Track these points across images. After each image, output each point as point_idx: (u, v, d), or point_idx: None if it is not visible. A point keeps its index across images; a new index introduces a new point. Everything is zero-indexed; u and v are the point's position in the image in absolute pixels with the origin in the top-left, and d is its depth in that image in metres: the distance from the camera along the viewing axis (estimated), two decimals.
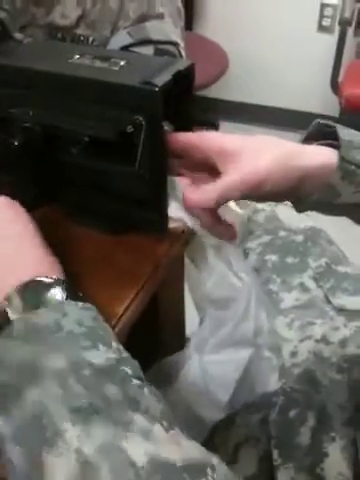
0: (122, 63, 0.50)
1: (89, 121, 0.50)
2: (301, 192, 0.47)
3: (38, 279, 0.42)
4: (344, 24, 1.84)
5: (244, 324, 0.53)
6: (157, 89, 0.46)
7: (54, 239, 0.60)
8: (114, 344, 0.38)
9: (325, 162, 0.47)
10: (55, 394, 0.33)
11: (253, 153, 0.46)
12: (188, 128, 0.56)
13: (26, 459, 0.32)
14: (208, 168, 0.50)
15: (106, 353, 0.36)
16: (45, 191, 0.59)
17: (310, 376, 0.52)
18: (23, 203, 0.56)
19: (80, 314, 0.39)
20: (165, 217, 0.56)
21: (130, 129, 0.48)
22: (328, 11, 2.12)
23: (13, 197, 0.56)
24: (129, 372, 0.36)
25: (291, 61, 2.16)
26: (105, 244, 0.59)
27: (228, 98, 2.25)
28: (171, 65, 0.50)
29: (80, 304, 0.40)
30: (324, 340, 0.55)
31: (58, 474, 0.31)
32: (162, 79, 0.47)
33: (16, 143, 0.53)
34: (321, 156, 0.47)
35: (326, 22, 2.14)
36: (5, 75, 0.52)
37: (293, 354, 0.55)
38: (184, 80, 0.51)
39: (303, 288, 0.61)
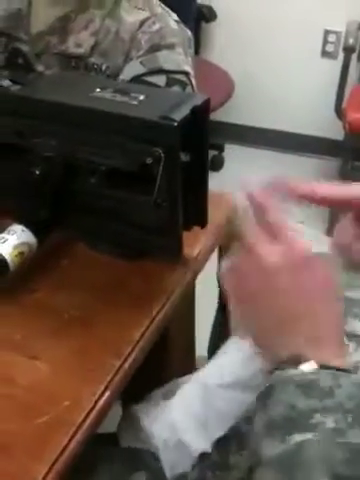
0: (141, 97, 0.52)
1: (109, 152, 0.52)
2: None
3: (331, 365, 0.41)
4: (348, 51, 1.88)
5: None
6: (176, 124, 0.48)
7: (68, 265, 0.61)
8: None
9: None
10: (320, 447, 0.36)
11: None
12: (203, 157, 0.57)
13: None
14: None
15: None
16: (61, 217, 0.60)
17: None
18: (38, 229, 0.57)
19: (352, 390, 0.39)
20: (180, 244, 0.57)
21: (149, 161, 0.49)
22: (332, 37, 2.16)
23: (29, 223, 0.57)
24: None
25: (295, 86, 2.20)
26: (119, 270, 0.60)
27: (234, 121, 2.28)
28: (188, 100, 0.52)
29: (353, 378, 0.40)
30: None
31: None
32: (180, 114, 0.49)
33: (37, 172, 0.54)
34: None
35: (330, 48, 2.18)
36: (28, 107, 0.54)
37: None
38: (200, 113, 0.53)
39: None
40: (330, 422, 0.37)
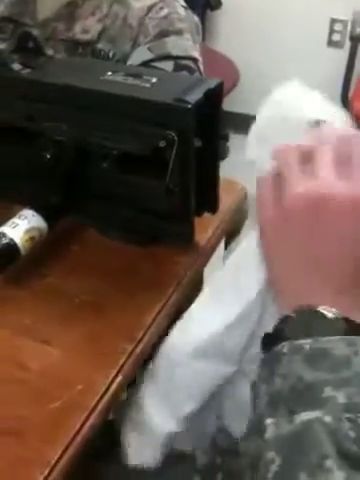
0: (154, 80, 0.52)
1: (121, 136, 0.51)
2: None
3: (338, 313, 0.38)
4: (355, 40, 1.87)
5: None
6: (190, 106, 0.47)
7: (79, 250, 0.61)
8: None
9: None
10: (327, 427, 0.34)
11: None
12: (216, 142, 0.57)
13: (281, 470, 0.34)
14: None
15: None
16: (72, 203, 0.60)
17: None
18: (49, 214, 0.57)
19: None
20: (192, 229, 0.57)
21: (162, 144, 0.49)
22: (338, 26, 2.14)
23: (40, 207, 0.57)
24: None
25: (301, 75, 2.18)
26: (130, 255, 0.60)
27: (239, 111, 2.27)
28: (202, 83, 0.51)
29: None
30: None
31: None
32: (194, 97, 0.49)
33: (48, 156, 0.54)
34: None
35: (336, 37, 2.16)
36: (39, 90, 0.54)
37: None
38: (213, 97, 0.52)
39: None
40: (341, 397, 0.35)
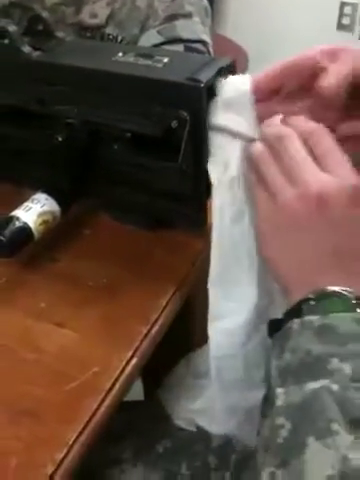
0: (165, 60, 0.51)
1: (133, 117, 0.51)
2: None
3: (352, 292, 0.39)
4: None
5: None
6: (202, 85, 0.47)
7: (92, 234, 0.61)
8: None
9: None
10: (334, 395, 0.35)
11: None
12: None
13: (290, 435, 0.35)
14: (305, 94, 0.46)
15: None
16: (85, 186, 0.60)
17: None
18: (62, 197, 0.57)
19: None
20: (204, 212, 0.57)
21: (175, 124, 0.48)
22: (348, 9, 2.11)
23: (53, 191, 0.57)
24: None
25: None
26: (143, 239, 0.60)
27: None
28: (214, 62, 0.51)
29: None
30: None
31: (318, 463, 0.33)
32: (206, 75, 0.48)
33: (60, 139, 0.54)
34: None
35: (346, 20, 2.13)
36: (50, 73, 0.53)
37: None
38: (226, 77, 0.51)
39: None
40: (348, 368, 0.35)
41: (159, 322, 0.51)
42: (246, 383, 0.50)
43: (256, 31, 2.15)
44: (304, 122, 0.42)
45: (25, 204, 0.54)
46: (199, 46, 0.92)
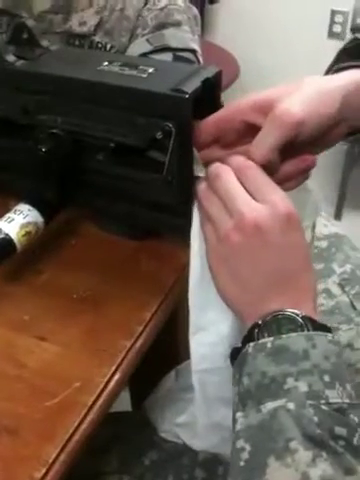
0: (150, 70, 0.50)
1: (118, 128, 0.50)
2: (347, 119, 0.45)
3: (300, 313, 0.40)
4: (356, 31, 1.85)
5: None
6: (187, 96, 0.46)
7: (76, 245, 0.60)
8: (348, 387, 0.38)
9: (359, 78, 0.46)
10: (291, 413, 0.36)
11: (285, 97, 0.45)
12: None
13: (251, 457, 0.36)
14: (244, 140, 0.48)
15: (341, 395, 0.37)
16: (69, 197, 0.59)
17: None
18: (45, 208, 0.56)
19: (328, 349, 0.39)
20: (189, 222, 0.56)
21: (160, 136, 0.48)
22: (339, 18, 2.12)
23: (36, 202, 0.56)
24: (356, 420, 0.37)
25: (302, 67, 2.16)
26: (129, 250, 0.59)
27: None
28: (199, 72, 0.50)
29: (329, 337, 0.40)
30: (350, 346, 0.55)
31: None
32: (192, 86, 0.47)
33: (43, 149, 0.53)
34: (353, 75, 0.46)
35: (337, 28, 2.14)
36: (34, 82, 0.53)
37: None
38: (211, 87, 0.51)
39: (328, 294, 0.61)
40: (303, 386, 0.37)
41: (144, 335, 0.50)
42: (230, 399, 0.49)
43: (247, 39, 2.16)
44: (239, 159, 0.45)
45: (7, 215, 0.53)
46: (188, 55, 0.91)
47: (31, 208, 0.54)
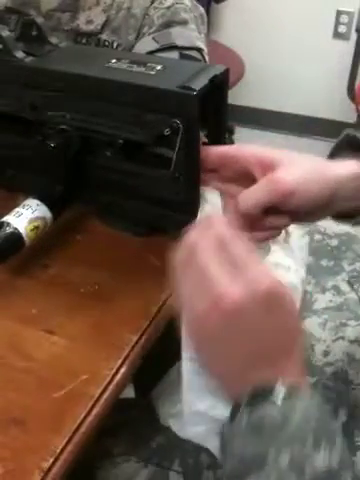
0: (158, 68, 0.51)
1: (126, 124, 0.51)
2: (335, 205, 0.48)
3: (279, 384, 0.39)
4: None
5: None
6: (195, 93, 0.47)
7: (83, 240, 0.61)
8: (338, 440, 0.37)
9: (356, 171, 0.48)
10: None
11: (286, 165, 0.47)
12: (220, 132, 0.56)
13: None
14: (239, 181, 0.50)
15: (329, 455, 0.36)
16: (77, 192, 0.59)
17: (343, 375, 0.53)
18: (53, 203, 0.57)
19: (307, 408, 0.38)
20: (196, 219, 0.56)
21: (167, 132, 0.48)
22: (344, 18, 2.13)
23: (45, 197, 0.57)
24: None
25: (307, 67, 2.17)
26: (135, 245, 0.60)
27: (244, 104, 2.26)
28: (207, 70, 0.51)
29: (307, 395, 0.39)
30: (357, 341, 0.56)
31: None
32: (199, 83, 0.48)
33: (52, 145, 0.54)
34: (351, 166, 0.48)
35: (342, 29, 2.14)
36: (43, 79, 0.53)
37: (326, 353, 0.56)
38: (219, 85, 0.51)
39: (337, 290, 0.62)
40: (285, 458, 0.35)
41: (150, 329, 0.51)
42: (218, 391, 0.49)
43: (252, 38, 2.16)
44: (219, 229, 0.43)
45: (16, 210, 0.54)
46: (194, 53, 0.92)
47: (39, 203, 0.55)
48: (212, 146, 0.51)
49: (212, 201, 0.52)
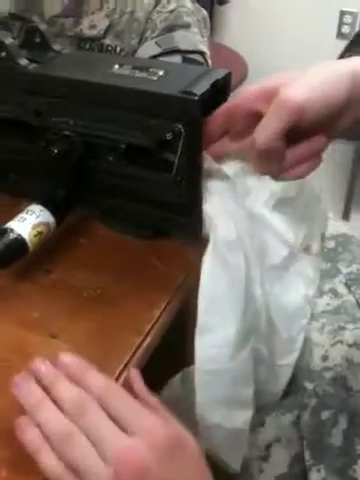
0: (161, 73, 0.51)
1: (128, 129, 0.51)
2: (358, 101, 0.43)
3: None
4: None
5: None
6: (197, 98, 0.47)
7: (86, 244, 0.61)
8: None
9: None
10: None
11: (290, 82, 0.44)
12: None
13: None
14: (254, 128, 0.46)
15: None
16: (80, 197, 0.60)
17: (342, 381, 0.53)
18: (57, 208, 0.57)
19: None
20: (199, 222, 0.57)
21: (169, 137, 0.49)
22: (347, 18, 2.13)
23: (48, 202, 0.57)
24: None
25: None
26: (138, 249, 0.60)
27: None
28: (209, 74, 0.51)
29: None
30: (355, 345, 0.56)
31: None
32: (201, 88, 0.48)
33: (55, 151, 0.54)
34: None
35: (345, 29, 2.15)
36: (46, 85, 0.54)
37: (324, 358, 0.56)
38: (221, 89, 0.52)
39: (334, 293, 0.62)
40: None
41: (152, 333, 0.51)
42: (232, 401, 0.49)
43: (255, 40, 2.16)
44: (99, 386, 0.41)
45: (20, 215, 0.54)
46: (197, 57, 0.92)
47: (43, 209, 0.55)
48: (213, 113, 0.49)
49: (212, 202, 0.52)
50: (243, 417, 0.50)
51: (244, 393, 0.50)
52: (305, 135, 0.45)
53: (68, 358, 0.43)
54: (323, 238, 0.55)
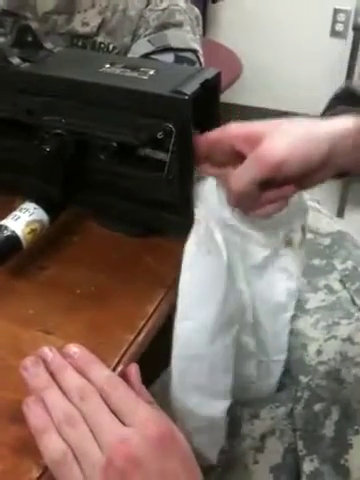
0: (151, 72, 0.52)
1: (120, 128, 0.52)
2: (333, 165, 0.46)
3: None
4: (358, 30, 1.86)
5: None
6: (187, 97, 0.48)
7: (79, 241, 0.62)
8: None
9: (349, 127, 0.46)
10: None
11: (272, 135, 0.46)
12: None
13: None
14: (233, 162, 0.49)
15: None
16: (73, 195, 0.60)
17: (335, 374, 0.54)
18: (50, 206, 0.58)
19: None
20: (191, 220, 0.57)
21: (160, 135, 0.49)
22: (341, 17, 2.13)
23: (41, 200, 0.58)
24: None
25: (304, 66, 2.18)
26: (131, 246, 0.61)
27: (241, 103, 2.27)
28: (199, 74, 0.52)
29: None
30: (349, 340, 0.57)
31: None
32: (191, 88, 0.49)
33: (48, 149, 0.55)
34: (344, 123, 0.47)
35: (339, 27, 2.15)
36: (38, 84, 0.54)
37: (319, 353, 0.57)
38: (211, 88, 0.52)
39: (329, 289, 0.63)
40: None
41: (145, 329, 0.52)
42: (209, 389, 0.50)
43: (249, 38, 2.17)
44: (101, 377, 0.42)
45: (13, 213, 0.55)
46: (189, 55, 0.93)
47: (36, 206, 0.56)
48: (201, 135, 0.51)
49: (205, 200, 0.53)
50: (219, 406, 0.51)
51: (221, 382, 0.50)
52: (278, 183, 0.47)
53: (75, 348, 0.45)
54: (304, 230, 0.56)
